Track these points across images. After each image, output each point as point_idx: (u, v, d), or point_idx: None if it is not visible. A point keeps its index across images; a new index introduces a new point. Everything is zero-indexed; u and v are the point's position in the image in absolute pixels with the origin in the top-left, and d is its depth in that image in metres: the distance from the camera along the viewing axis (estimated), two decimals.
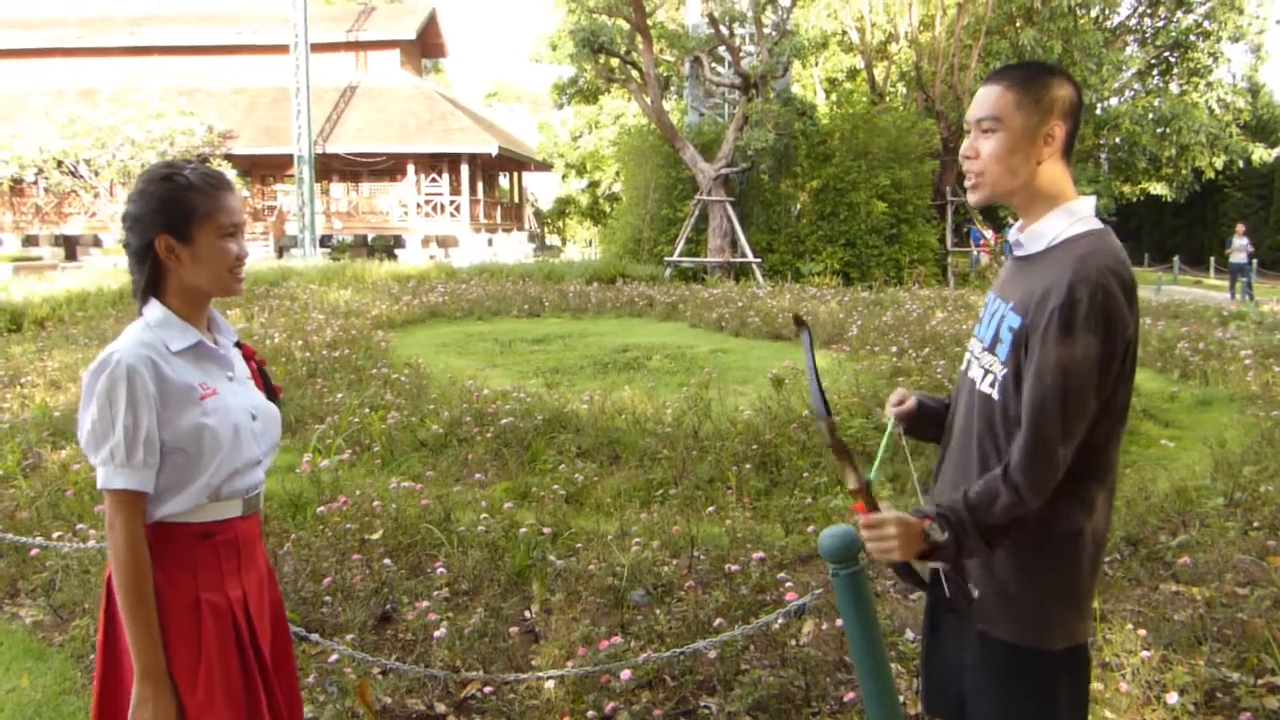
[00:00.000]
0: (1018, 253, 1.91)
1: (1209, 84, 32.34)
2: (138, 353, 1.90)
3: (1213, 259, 30.08)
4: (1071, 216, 1.83)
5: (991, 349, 1.88)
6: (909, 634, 3.45)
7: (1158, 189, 34.67)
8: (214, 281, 2.02)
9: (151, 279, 2.00)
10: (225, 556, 2.02)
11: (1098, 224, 1.82)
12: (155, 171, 2.02)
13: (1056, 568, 1.81)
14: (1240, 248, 20.74)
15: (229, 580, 2.02)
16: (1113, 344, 1.70)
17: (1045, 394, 1.70)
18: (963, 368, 2.03)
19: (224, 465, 1.98)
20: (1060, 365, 1.69)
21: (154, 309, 2.00)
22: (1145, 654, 3.10)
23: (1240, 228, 21.38)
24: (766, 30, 22.03)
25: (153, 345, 1.94)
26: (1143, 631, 3.27)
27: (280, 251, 30.92)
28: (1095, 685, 3.01)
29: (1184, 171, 31.68)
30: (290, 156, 29.65)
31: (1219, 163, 30.65)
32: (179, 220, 1.97)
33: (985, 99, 1.87)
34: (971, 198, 1.95)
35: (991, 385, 1.86)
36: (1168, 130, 29.33)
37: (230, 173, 29.78)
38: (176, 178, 1.99)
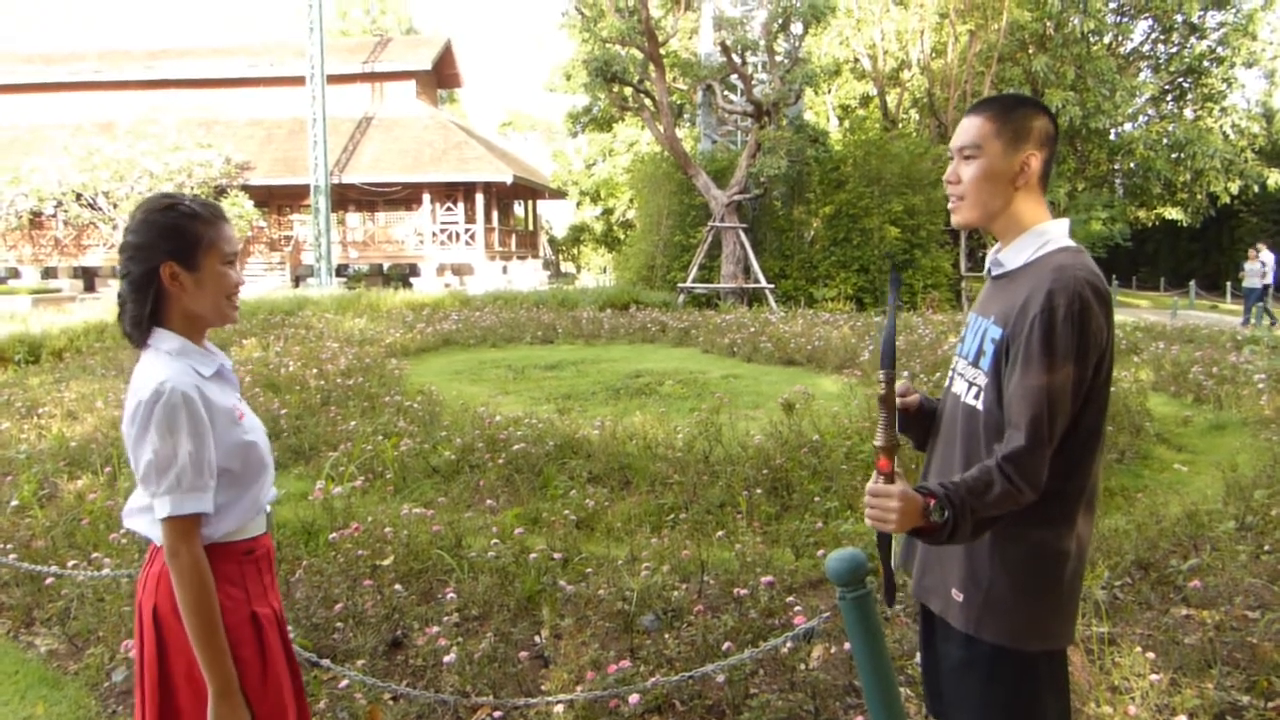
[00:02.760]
0: (996, 272, 2.02)
1: (1223, 109, 32.34)
2: (185, 379, 1.94)
3: (1229, 283, 29.93)
4: (1046, 236, 1.94)
5: (975, 362, 1.97)
6: (918, 658, 3.44)
7: (1173, 214, 34.60)
8: (214, 308, 2.06)
9: (154, 307, 2.02)
10: (264, 570, 2.13)
11: (1072, 243, 1.93)
12: (158, 201, 2.05)
13: (1041, 574, 1.88)
14: (1254, 272, 20.59)
15: (270, 593, 2.13)
16: (1088, 347, 1.79)
17: (1031, 392, 1.78)
18: (946, 384, 2.12)
19: (267, 480, 2.10)
20: (1044, 366, 1.78)
21: (167, 338, 2.03)
22: (1155, 677, 3.09)
23: (1253, 252, 21.22)
24: (778, 58, 22.19)
25: (190, 372, 1.98)
26: (1152, 655, 3.26)
27: (297, 281, 31.18)
28: (1105, 709, 3.00)
29: (1199, 196, 31.63)
30: (307, 186, 29.96)
31: (1234, 187, 30.59)
32: (185, 248, 2.01)
33: (967, 128, 1.98)
34: (954, 219, 2.05)
35: (976, 397, 1.95)
36: (1182, 155, 29.33)
37: (247, 203, 30.20)
38: (180, 207, 2.03)
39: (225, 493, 2.00)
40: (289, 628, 3.76)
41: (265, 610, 2.08)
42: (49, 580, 4.40)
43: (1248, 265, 20.74)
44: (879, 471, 1.84)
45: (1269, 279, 20.61)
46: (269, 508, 2.17)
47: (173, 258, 2.00)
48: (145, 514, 2.02)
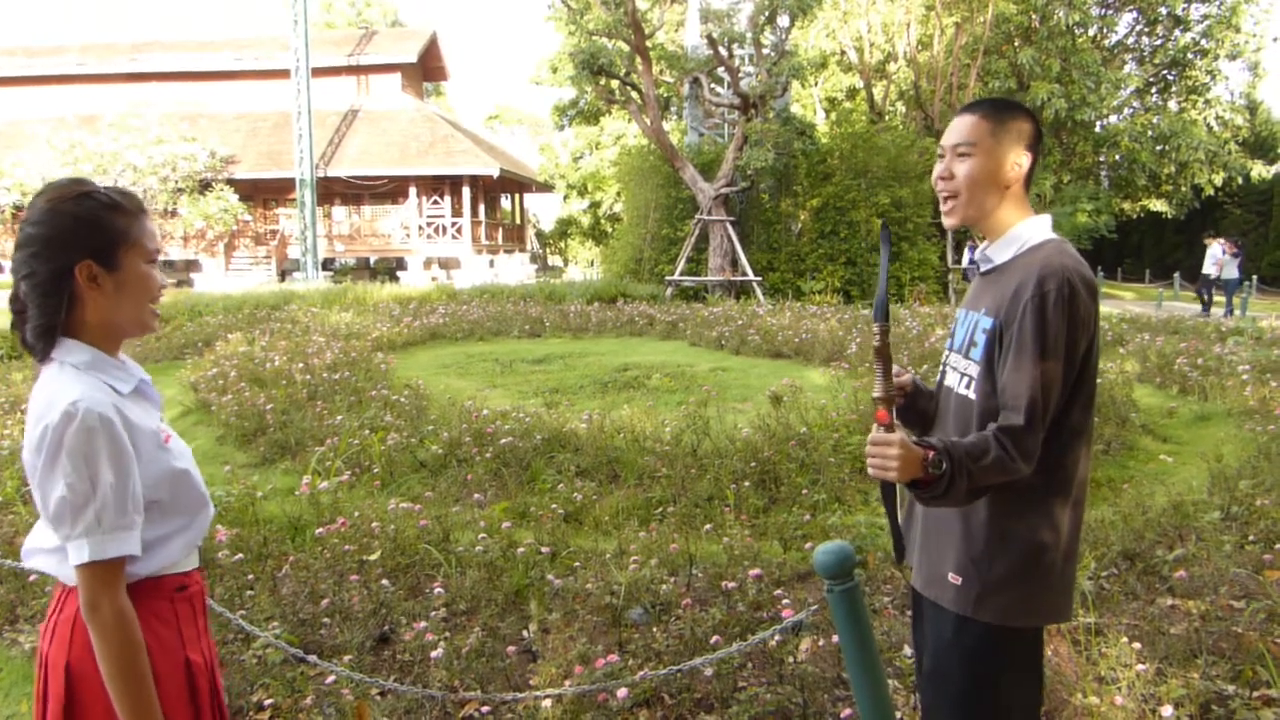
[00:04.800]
0: (984, 268, 2.08)
1: (1207, 101, 32.47)
2: (100, 398, 1.65)
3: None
4: (1031, 231, 2.01)
5: (966, 354, 2.03)
6: (906, 650, 3.45)
7: (1158, 206, 34.78)
8: (134, 316, 1.78)
9: (56, 310, 1.70)
10: (197, 612, 1.87)
11: (1055, 236, 2.00)
12: (68, 188, 1.74)
13: (1034, 558, 1.94)
14: (1229, 261, 20.62)
15: (203, 637, 1.88)
16: (1077, 332, 1.86)
17: (1026, 375, 1.84)
18: (938, 380, 2.17)
19: (204, 515, 1.85)
20: (1037, 350, 1.83)
21: (75, 349, 1.73)
22: (1141, 667, 3.10)
23: (1229, 244, 21.11)
24: (765, 51, 22.17)
25: (104, 388, 1.70)
26: (1138, 645, 3.28)
27: (283, 275, 31.04)
28: (1091, 699, 3.01)
29: (1183, 188, 31.80)
30: (292, 180, 29.80)
31: (1218, 179, 30.76)
32: (106, 245, 1.72)
33: (962, 126, 2.03)
34: (948, 221, 2.10)
35: (968, 387, 2.01)
36: (1167, 147, 29.47)
37: (233, 197, 30.01)
38: (97, 195, 1.74)
39: (153, 528, 1.73)
40: (275, 625, 3.76)
41: (198, 658, 1.81)
42: (33, 578, 4.37)
43: (1224, 256, 20.78)
44: (878, 423, 1.88)
45: (1211, 270, 20.79)
46: (200, 542, 1.90)
47: (91, 256, 1.70)
48: (54, 554, 1.72)
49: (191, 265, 31.62)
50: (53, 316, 1.70)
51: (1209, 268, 20.94)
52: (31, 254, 1.69)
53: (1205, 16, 30.62)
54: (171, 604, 1.80)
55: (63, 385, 1.66)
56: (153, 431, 1.76)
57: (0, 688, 3.74)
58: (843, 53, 30.79)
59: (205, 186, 30.36)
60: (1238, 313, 19.77)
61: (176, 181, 29.46)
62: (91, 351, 1.74)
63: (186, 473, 1.81)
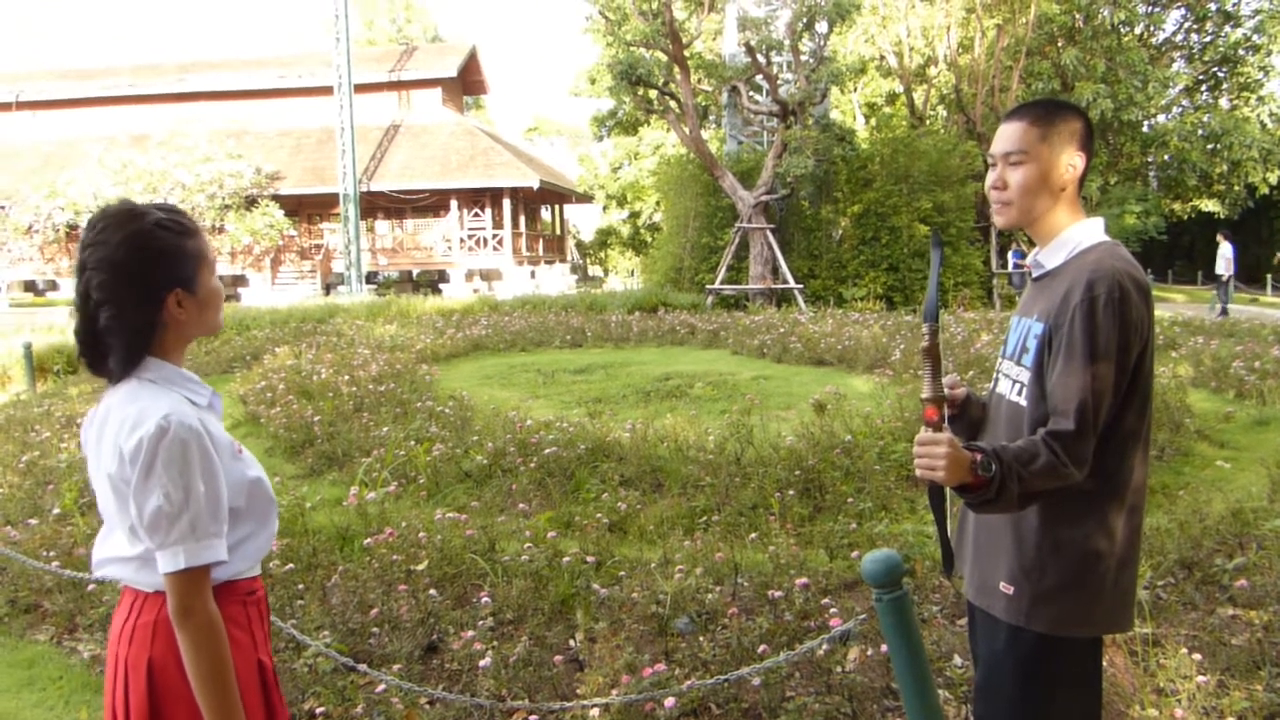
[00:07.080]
0: (1036, 273, 2.06)
1: (1260, 98, 31.76)
2: (187, 411, 1.73)
3: (1269, 276, 29.42)
4: (1082, 234, 1.99)
5: (1018, 360, 2.01)
6: (956, 659, 3.40)
7: (1209, 206, 34.05)
8: (209, 325, 1.88)
9: (147, 340, 1.79)
10: (264, 616, 1.94)
11: (1107, 238, 1.97)
12: (144, 217, 1.79)
13: (1088, 567, 1.90)
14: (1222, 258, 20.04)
15: (269, 641, 1.95)
16: (1129, 336, 1.82)
17: (1075, 380, 1.81)
18: (991, 386, 2.15)
19: (275, 520, 1.94)
20: (1087, 354, 1.81)
21: (149, 365, 1.80)
22: (1201, 679, 3.03)
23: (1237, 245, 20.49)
24: (804, 57, 22.10)
25: (187, 403, 1.79)
26: (1198, 656, 3.19)
27: (327, 289, 31.45)
28: (1150, 711, 2.95)
29: (1236, 187, 31.08)
30: (336, 195, 30.22)
31: (1273, 178, 30.04)
32: (190, 271, 1.81)
33: (1011, 134, 2.01)
34: (999, 220, 2.08)
35: (1019, 394, 1.99)
36: (1218, 146, 28.81)
37: (278, 212, 30.50)
38: (172, 224, 1.81)
39: (231, 534, 1.80)
40: (325, 634, 3.80)
41: (268, 660, 1.89)
42: (91, 587, 4.45)
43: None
44: (927, 422, 1.87)
45: (1223, 270, 20.22)
46: (270, 546, 1.99)
47: (180, 285, 1.80)
48: (130, 563, 1.78)
49: (238, 280, 32.15)
50: (143, 346, 1.78)
51: (1221, 268, 20.40)
52: (120, 284, 1.74)
53: (1257, 11, 29.96)
54: (244, 608, 1.86)
55: (150, 399, 1.74)
56: (228, 443, 1.84)
57: (61, 694, 3.81)
58: (882, 58, 30.57)
59: (251, 203, 30.90)
60: None
61: (223, 198, 30.02)
62: (165, 366, 1.81)
63: (259, 480, 1.88)
